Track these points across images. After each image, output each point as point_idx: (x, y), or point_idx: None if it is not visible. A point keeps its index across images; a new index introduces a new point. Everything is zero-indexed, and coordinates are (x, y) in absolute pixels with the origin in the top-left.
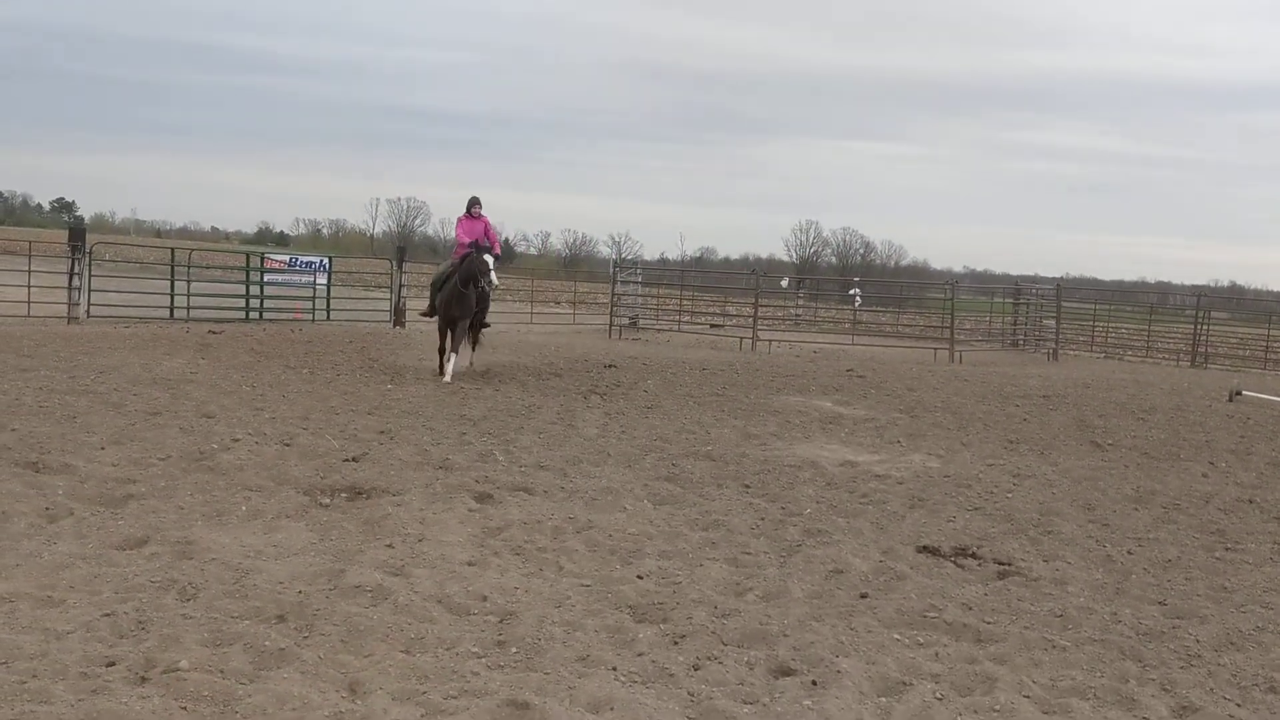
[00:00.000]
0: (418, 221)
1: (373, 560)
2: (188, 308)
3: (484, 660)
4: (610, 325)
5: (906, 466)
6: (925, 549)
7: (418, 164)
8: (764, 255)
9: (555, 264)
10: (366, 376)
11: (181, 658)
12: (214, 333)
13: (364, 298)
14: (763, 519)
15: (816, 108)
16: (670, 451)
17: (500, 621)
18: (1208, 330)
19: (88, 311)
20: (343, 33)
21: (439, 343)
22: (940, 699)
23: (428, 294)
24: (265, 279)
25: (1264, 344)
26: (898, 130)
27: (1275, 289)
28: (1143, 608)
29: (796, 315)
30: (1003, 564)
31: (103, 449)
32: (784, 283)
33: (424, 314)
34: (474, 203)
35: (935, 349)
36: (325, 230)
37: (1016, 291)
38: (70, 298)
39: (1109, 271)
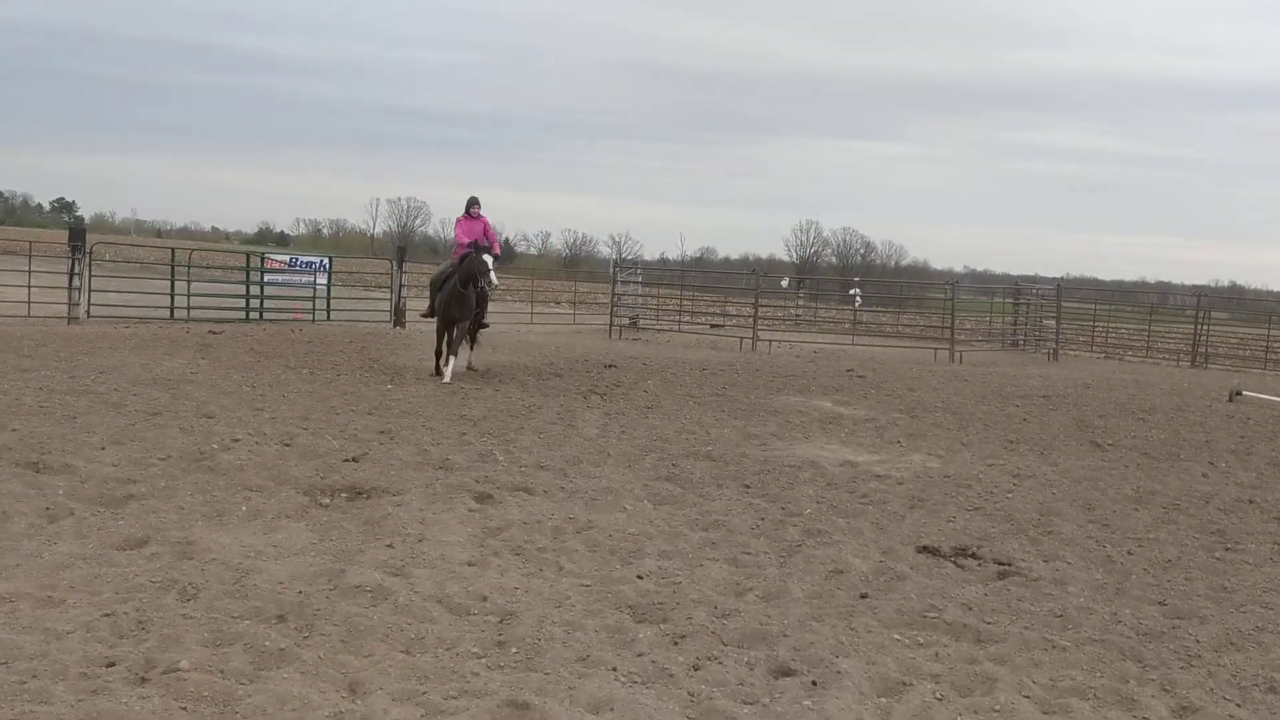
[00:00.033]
0: (418, 221)
1: (373, 560)
2: (188, 308)
3: (484, 660)
4: (610, 325)
5: (906, 466)
6: (925, 549)
7: (418, 164)
8: (764, 255)
9: (555, 264)
10: (366, 377)
11: (182, 658)
12: (214, 333)
13: (364, 298)
14: (763, 519)
15: (816, 108)
16: (670, 451)
17: (500, 621)
18: (1208, 330)
19: (88, 312)
20: (343, 33)
21: (436, 343)
22: (940, 699)
23: (427, 294)
24: (265, 279)
25: (1264, 344)
26: (898, 130)
27: (1275, 289)
28: (1143, 608)
29: (796, 315)
30: (1003, 564)
31: (103, 449)
32: (784, 283)
33: (424, 315)
34: (473, 203)
35: (935, 349)
36: (325, 230)
37: (1016, 291)
38: (70, 298)
39: (1109, 271)
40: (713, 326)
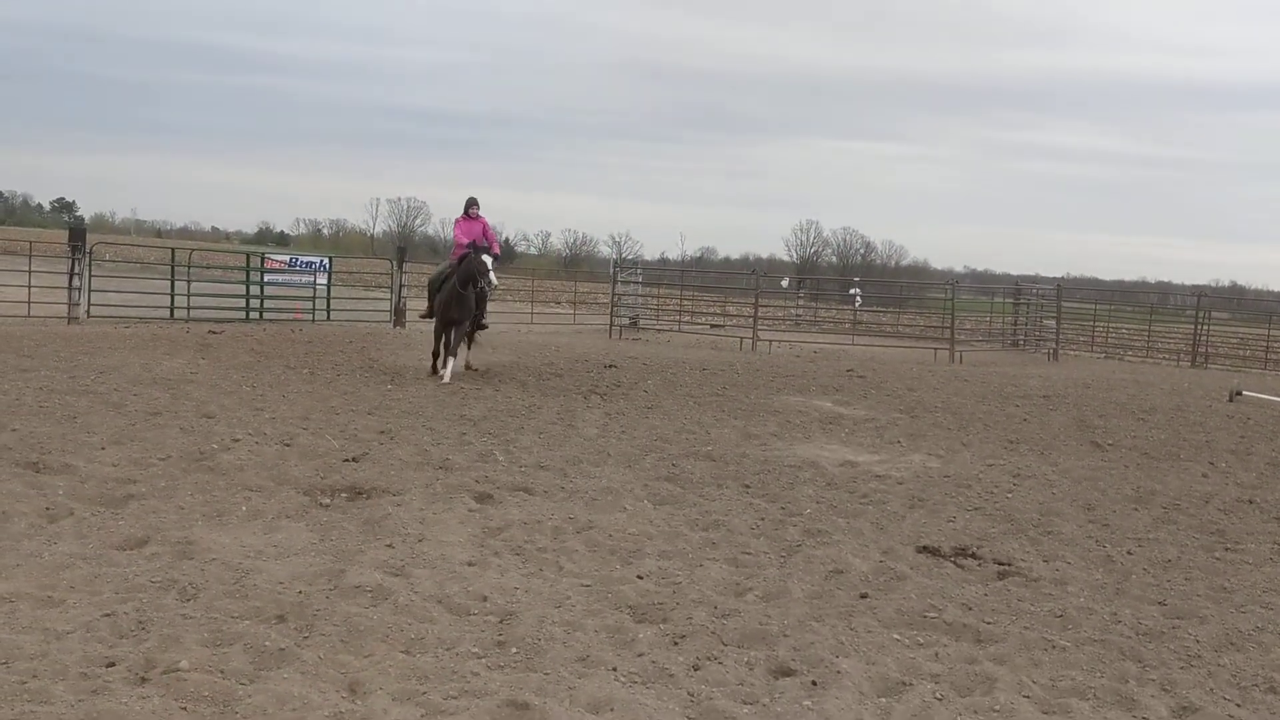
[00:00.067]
0: (418, 221)
1: (373, 560)
2: (188, 308)
3: (484, 660)
4: (610, 325)
5: (906, 466)
6: (925, 549)
7: (418, 164)
8: (764, 255)
9: (555, 264)
10: (367, 377)
11: (182, 658)
12: (214, 333)
13: (364, 298)
14: (763, 519)
15: (816, 108)
16: (670, 451)
17: (500, 622)
18: (1208, 330)
19: (88, 311)
20: (343, 33)
21: (435, 343)
22: (940, 699)
23: (426, 295)
24: (265, 279)
25: (1264, 344)
26: (898, 130)
27: (1275, 289)
28: (1143, 608)
29: (797, 315)
30: (1003, 564)
31: (103, 449)
32: (784, 283)
33: (423, 316)
34: (471, 203)
35: (935, 349)
36: (325, 230)
37: (1017, 291)
38: (70, 298)
39: (1109, 271)
40: (713, 326)
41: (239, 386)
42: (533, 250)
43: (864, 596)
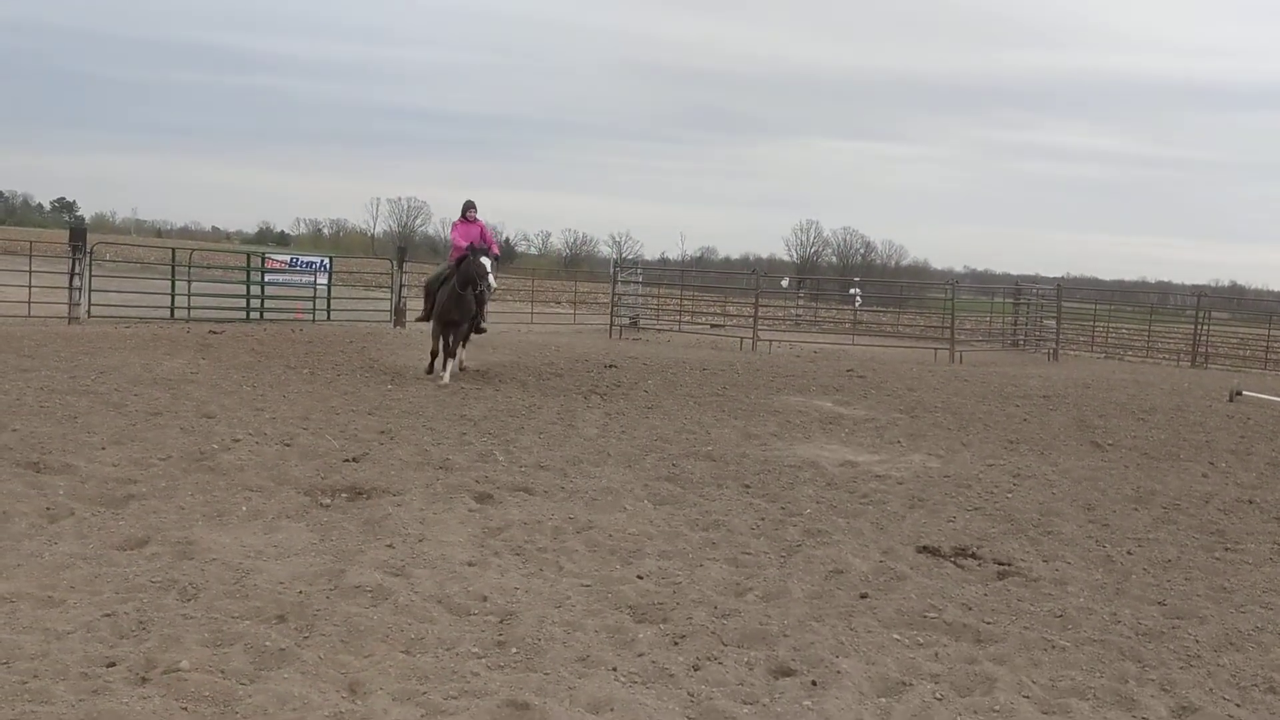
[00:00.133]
0: (418, 221)
1: (373, 560)
2: (188, 308)
3: (484, 660)
4: (611, 325)
5: (906, 466)
6: (925, 549)
7: (418, 164)
8: (764, 255)
9: (556, 264)
10: (367, 377)
11: (182, 658)
12: (214, 333)
13: (364, 298)
14: (763, 519)
15: (816, 108)
16: (670, 451)
17: (500, 622)
18: (1208, 330)
19: (88, 311)
20: (343, 33)
21: (433, 343)
22: (940, 699)
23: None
24: (266, 279)
25: (1264, 344)
26: (898, 130)
27: (1275, 289)
28: (1142, 608)
29: (797, 315)
30: (1003, 564)
31: (103, 449)
32: (784, 283)
33: (420, 319)
34: (469, 206)
35: (935, 349)
36: (326, 230)
37: (1017, 291)
38: (71, 298)
39: (1109, 271)
40: (713, 326)
41: (239, 386)
42: (533, 250)
43: (864, 596)
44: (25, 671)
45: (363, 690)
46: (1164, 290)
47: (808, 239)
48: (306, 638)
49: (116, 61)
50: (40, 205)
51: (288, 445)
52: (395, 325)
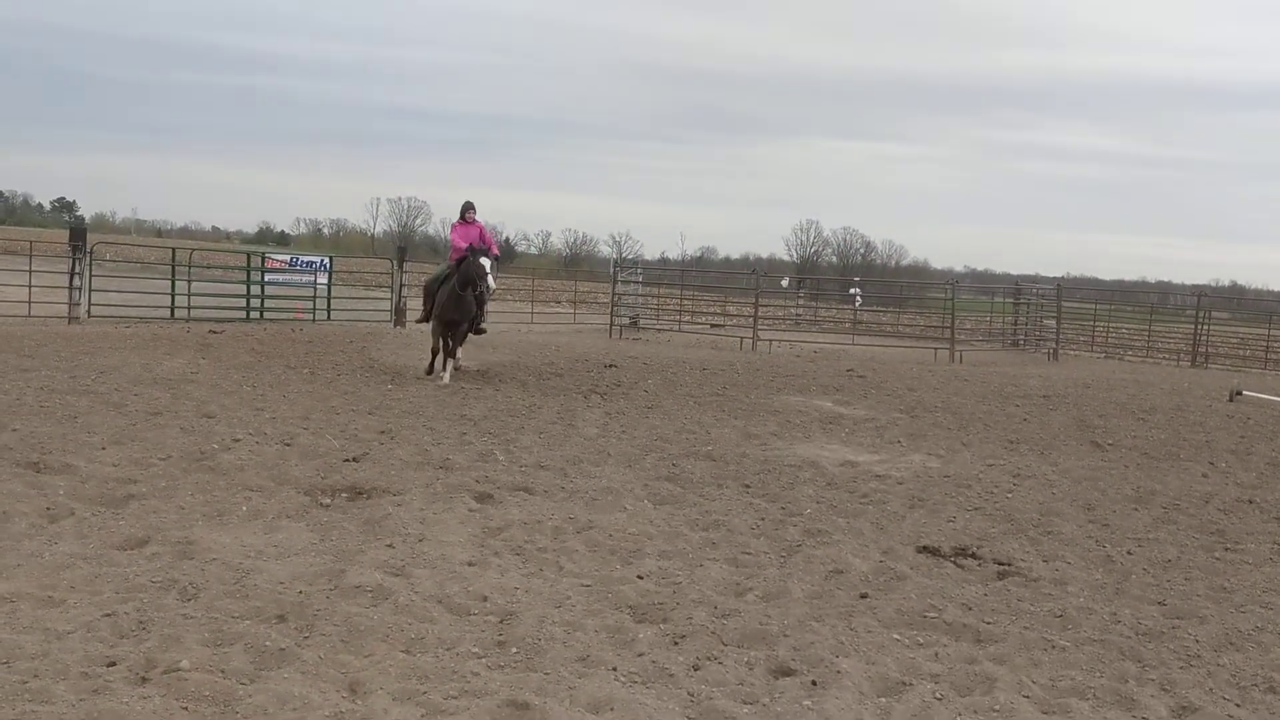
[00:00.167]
0: (418, 221)
1: (373, 560)
2: (188, 308)
3: (484, 660)
4: (611, 325)
5: (906, 466)
6: (925, 549)
7: (418, 163)
8: (764, 255)
9: (556, 263)
10: (367, 376)
11: (182, 658)
12: (215, 332)
13: (365, 297)
14: (763, 519)
15: (816, 108)
16: (670, 451)
17: (500, 622)
18: (1208, 330)
19: (88, 311)
20: (343, 33)
21: (433, 342)
22: (940, 699)
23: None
24: (266, 279)
25: (1264, 344)
26: (898, 130)
27: (1275, 289)
28: (1142, 608)
29: (797, 315)
30: (1003, 564)
31: (104, 449)
32: (784, 282)
33: (419, 320)
34: (468, 207)
35: (935, 349)
36: (326, 230)
37: (1017, 291)
38: (71, 297)
39: (1109, 271)
40: (713, 326)
41: (239, 386)
42: (533, 250)
43: (864, 596)
44: (26, 671)
45: (363, 690)
46: (1164, 290)
47: (808, 239)
48: (307, 637)
49: (116, 61)
50: (40, 205)
51: (288, 445)
52: (395, 325)
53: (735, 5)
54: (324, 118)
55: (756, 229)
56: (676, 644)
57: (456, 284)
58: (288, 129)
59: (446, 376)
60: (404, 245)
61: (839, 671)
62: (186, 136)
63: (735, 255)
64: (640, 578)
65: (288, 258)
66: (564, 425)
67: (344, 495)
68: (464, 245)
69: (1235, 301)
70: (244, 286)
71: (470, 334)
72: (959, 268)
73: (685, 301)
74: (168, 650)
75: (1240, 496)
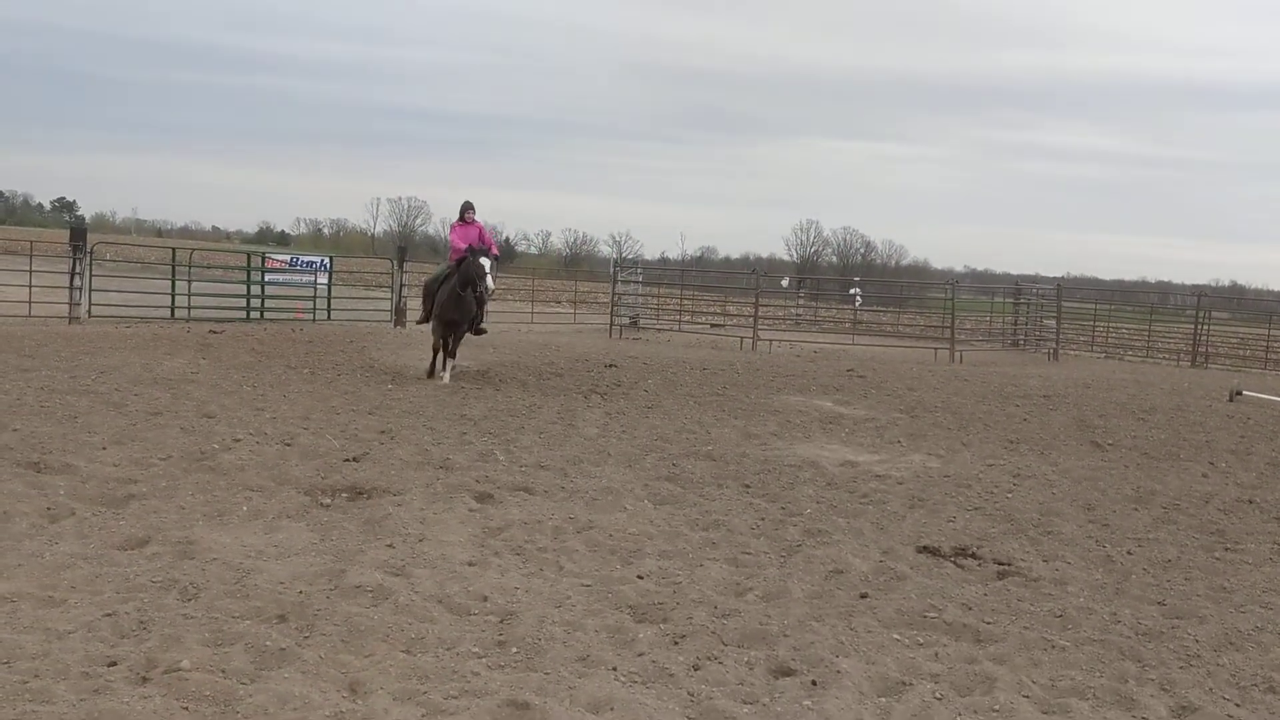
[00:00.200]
0: (418, 221)
1: (373, 560)
2: (189, 307)
3: (484, 660)
4: (611, 325)
5: (906, 466)
6: (925, 549)
7: (418, 163)
8: (764, 255)
9: (556, 263)
10: (367, 376)
11: (183, 657)
12: (215, 332)
13: (365, 297)
14: (763, 519)
15: (816, 108)
16: (670, 451)
17: (501, 621)
18: (1208, 330)
19: (89, 311)
20: (343, 33)
21: (434, 341)
22: (940, 699)
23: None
24: (266, 279)
25: (1264, 344)
26: (898, 130)
27: (1275, 289)
28: (1142, 608)
29: (797, 315)
30: (1003, 564)
31: (104, 449)
32: (784, 282)
33: (419, 322)
34: (467, 208)
35: (936, 349)
36: (326, 230)
37: (1017, 291)
38: (71, 297)
39: (1109, 271)
40: (713, 326)
41: (240, 386)
42: (533, 250)
43: (864, 596)
44: (26, 671)
45: (363, 690)
46: (1164, 290)
47: (808, 239)
48: (307, 637)
49: (116, 61)
50: (40, 205)
51: (288, 445)
52: (395, 325)
53: (735, 5)
54: (324, 118)
55: (756, 229)
56: (676, 644)
57: (456, 284)
58: (288, 129)
59: (447, 376)
60: (404, 245)
61: (839, 671)
62: (186, 136)
63: (735, 255)
64: (640, 578)
65: (288, 258)
66: (564, 425)
67: (344, 495)
68: (463, 245)
69: (1235, 301)
70: (244, 286)
71: (470, 334)
72: (959, 268)
73: (685, 301)
74: (168, 650)
75: (1240, 496)
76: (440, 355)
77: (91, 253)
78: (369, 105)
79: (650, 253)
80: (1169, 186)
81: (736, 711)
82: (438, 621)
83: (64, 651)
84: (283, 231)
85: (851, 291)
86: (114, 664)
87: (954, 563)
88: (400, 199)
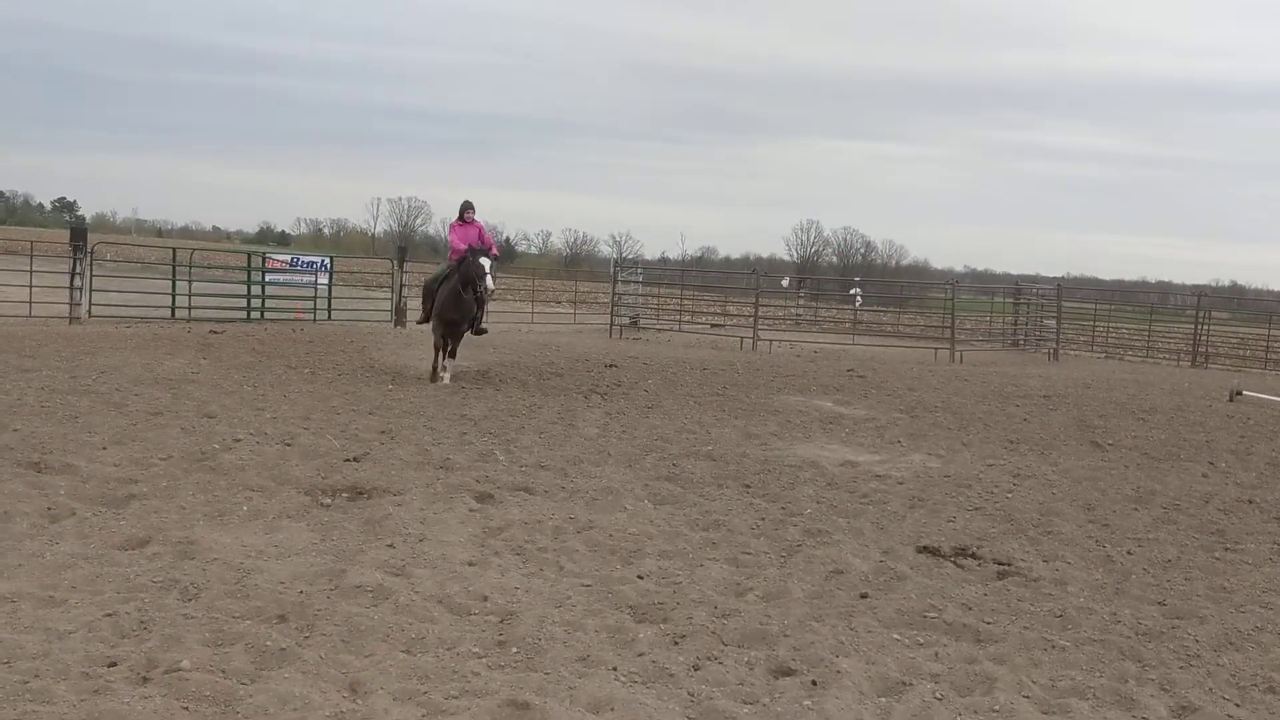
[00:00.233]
0: (419, 221)
1: (374, 560)
2: (189, 308)
3: (484, 660)
4: (611, 325)
5: (907, 466)
6: (925, 549)
7: (418, 163)
8: (764, 255)
9: (556, 263)
10: (367, 376)
11: (183, 658)
12: (215, 332)
13: (365, 298)
14: (763, 519)
15: (816, 108)
16: (671, 451)
17: (501, 621)
18: (1208, 330)
19: (89, 311)
20: (343, 33)
21: (435, 341)
22: (940, 699)
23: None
24: (266, 279)
25: (1264, 344)
26: (898, 130)
27: (1275, 289)
28: (1142, 608)
29: (797, 315)
30: (1003, 564)
31: (104, 449)
32: (784, 282)
33: (419, 322)
34: (467, 207)
35: (936, 349)
36: (326, 230)
37: (1017, 291)
38: (72, 297)
39: (1109, 271)
40: (713, 326)
41: (240, 386)
42: (533, 250)
43: (864, 596)
44: (27, 671)
45: (363, 690)
46: (1164, 290)
47: (808, 239)
48: (307, 637)
49: (116, 61)
50: (40, 205)
51: (288, 445)
52: (396, 325)
53: (735, 5)
54: (324, 118)
55: (756, 229)
56: (677, 644)
57: (457, 284)
58: (288, 129)
59: (447, 376)
60: (404, 245)
61: (839, 671)
62: (186, 136)
63: (735, 255)
64: (640, 578)
65: (288, 258)
66: (564, 425)
67: (344, 495)
68: (463, 245)
69: (1235, 301)
70: (244, 286)
71: (471, 334)
72: (959, 268)
73: (685, 301)
74: (169, 650)
75: (1240, 496)
76: (440, 355)
77: (92, 253)
78: (369, 105)
79: (650, 253)
80: (1169, 186)
81: (736, 711)
82: (438, 621)
83: (64, 651)
84: (283, 231)
85: (852, 291)
86: (114, 664)
87: (954, 563)
88: (400, 199)
